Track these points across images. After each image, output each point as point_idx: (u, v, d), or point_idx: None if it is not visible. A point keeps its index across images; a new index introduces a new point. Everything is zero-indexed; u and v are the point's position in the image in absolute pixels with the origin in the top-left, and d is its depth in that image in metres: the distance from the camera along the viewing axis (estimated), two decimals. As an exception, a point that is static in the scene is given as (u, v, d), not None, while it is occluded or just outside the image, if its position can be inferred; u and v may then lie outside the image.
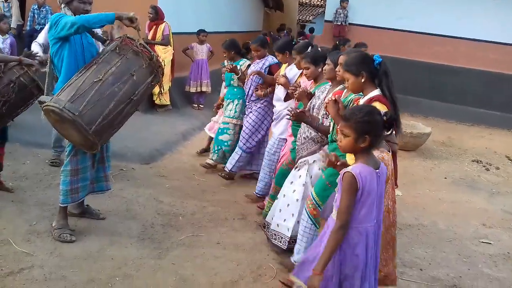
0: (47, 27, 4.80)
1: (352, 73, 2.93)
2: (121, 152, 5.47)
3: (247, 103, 5.25)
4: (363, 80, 2.91)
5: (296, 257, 3.41)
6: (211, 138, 6.01)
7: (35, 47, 4.83)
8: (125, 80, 3.38)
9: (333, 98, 3.06)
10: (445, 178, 6.47)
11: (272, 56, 5.19)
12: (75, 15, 3.49)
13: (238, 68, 5.28)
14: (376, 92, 2.90)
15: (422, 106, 10.68)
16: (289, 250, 3.62)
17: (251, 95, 5.14)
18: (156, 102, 7.82)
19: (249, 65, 5.35)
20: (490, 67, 10.85)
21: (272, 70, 5.09)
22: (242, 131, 5.26)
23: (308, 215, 3.31)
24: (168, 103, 8.13)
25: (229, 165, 5.28)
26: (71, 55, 3.47)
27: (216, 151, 5.47)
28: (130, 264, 3.38)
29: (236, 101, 5.40)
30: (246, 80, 5.17)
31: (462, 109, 10.62)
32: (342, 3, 12.19)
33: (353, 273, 2.31)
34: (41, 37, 4.79)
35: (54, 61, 3.52)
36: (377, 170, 2.31)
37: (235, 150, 5.27)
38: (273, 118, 4.70)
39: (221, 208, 4.57)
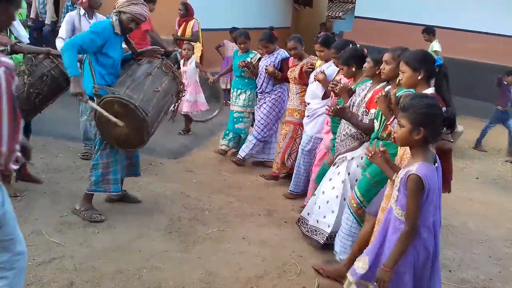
0: (65, 20, 5.04)
1: (411, 67, 2.86)
2: (150, 147, 5.51)
3: (259, 95, 5.48)
4: (419, 77, 2.84)
5: (342, 256, 3.39)
6: (189, 117, 6.62)
7: (60, 43, 5.01)
8: (169, 96, 3.85)
9: (383, 93, 3.03)
10: (477, 178, 6.30)
11: (284, 50, 5.31)
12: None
13: (249, 61, 5.52)
14: (431, 90, 2.84)
15: (455, 104, 10.35)
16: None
17: (266, 87, 5.37)
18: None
19: (259, 59, 5.56)
20: (528, 65, 10.48)
21: (283, 65, 5.22)
22: (256, 121, 5.49)
23: (353, 214, 3.32)
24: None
25: (242, 153, 5.54)
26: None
27: (232, 138, 5.77)
28: (157, 256, 3.44)
29: (248, 92, 5.70)
30: (259, 74, 5.41)
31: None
32: None
33: (424, 265, 2.38)
34: (63, 32, 5.01)
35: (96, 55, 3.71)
36: (436, 165, 2.33)
37: (249, 139, 5.51)
38: (306, 115, 4.66)
39: (247, 203, 4.59)
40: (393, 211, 2.42)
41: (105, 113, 3.47)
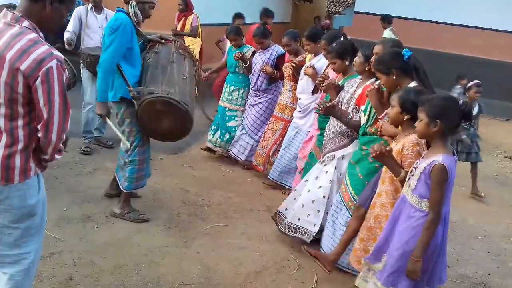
0: (73, 15, 5.13)
1: (382, 73, 2.89)
2: (149, 142, 5.55)
3: (253, 93, 5.31)
4: (394, 78, 2.85)
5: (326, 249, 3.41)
6: None
7: (67, 35, 5.07)
8: (193, 78, 3.94)
9: (375, 87, 3.02)
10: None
11: (279, 46, 5.19)
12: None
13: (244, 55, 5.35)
14: (414, 83, 2.84)
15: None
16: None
17: (260, 85, 5.20)
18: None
19: (253, 52, 5.38)
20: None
21: (279, 61, 5.11)
22: (251, 120, 5.33)
23: (350, 215, 3.24)
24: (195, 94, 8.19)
25: (242, 156, 5.40)
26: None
27: (221, 136, 5.51)
28: (156, 251, 3.45)
29: (242, 89, 5.50)
30: (253, 70, 5.25)
31: (496, 104, 10.25)
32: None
33: (432, 252, 2.43)
34: (71, 26, 5.15)
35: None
36: (455, 157, 2.38)
37: (247, 141, 5.37)
38: (297, 110, 4.64)
39: (246, 199, 4.59)
40: (408, 199, 2.44)
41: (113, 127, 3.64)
